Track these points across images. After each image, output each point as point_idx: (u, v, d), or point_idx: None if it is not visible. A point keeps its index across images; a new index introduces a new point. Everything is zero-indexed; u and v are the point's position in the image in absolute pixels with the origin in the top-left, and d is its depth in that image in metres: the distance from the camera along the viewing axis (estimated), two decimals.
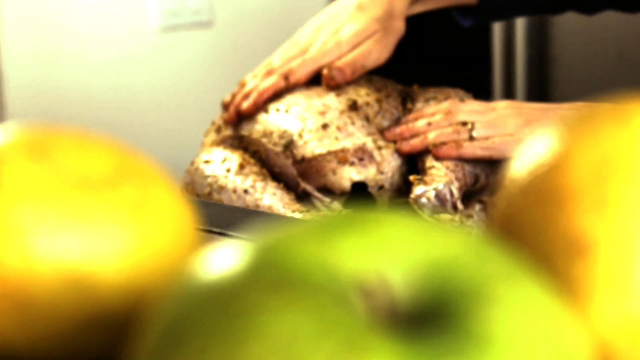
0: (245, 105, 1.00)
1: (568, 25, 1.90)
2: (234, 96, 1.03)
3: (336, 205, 0.95)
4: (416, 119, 0.98)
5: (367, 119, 0.97)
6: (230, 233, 0.59)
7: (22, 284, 0.34)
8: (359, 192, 0.94)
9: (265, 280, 0.28)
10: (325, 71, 0.99)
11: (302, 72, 1.00)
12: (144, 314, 0.33)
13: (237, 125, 1.02)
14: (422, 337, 0.27)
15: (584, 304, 0.32)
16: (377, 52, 1.01)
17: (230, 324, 0.27)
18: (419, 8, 1.07)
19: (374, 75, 1.05)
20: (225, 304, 0.27)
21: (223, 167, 0.96)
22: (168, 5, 2.00)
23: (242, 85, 1.03)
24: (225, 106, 1.03)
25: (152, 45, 2.00)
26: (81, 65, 1.91)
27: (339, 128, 0.95)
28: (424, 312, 0.28)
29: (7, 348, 0.34)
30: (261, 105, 0.99)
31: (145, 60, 2.00)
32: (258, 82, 1.01)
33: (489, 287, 0.28)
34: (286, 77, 1.00)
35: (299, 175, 0.95)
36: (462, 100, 0.99)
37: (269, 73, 1.01)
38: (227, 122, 1.02)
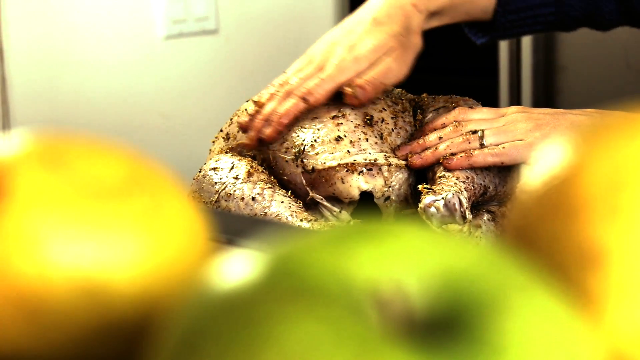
0: (268, 131, 0.97)
1: (575, 33, 1.91)
2: (251, 117, 1.01)
3: (344, 214, 0.95)
4: (426, 133, 0.98)
5: (381, 136, 0.97)
6: (240, 242, 0.59)
7: (36, 293, 0.34)
8: (366, 202, 0.94)
9: (281, 290, 0.28)
10: (348, 89, 0.98)
11: (321, 92, 0.98)
12: (158, 322, 0.33)
13: (259, 148, 1.00)
14: (437, 346, 0.27)
15: (598, 313, 0.32)
16: (396, 69, 1.00)
17: (246, 334, 0.27)
18: (435, 23, 1.07)
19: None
20: (241, 313, 0.27)
21: (231, 174, 0.96)
22: (174, 13, 2.01)
23: (259, 105, 1.01)
24: (243, 128, 1.01)
25: (158, 52, 2.01)
26: (87, 72, 1.91)
27: (352, 142, 0.95)
28: (439, 322, 0.28)
29: (21, 356, 0.34)
30: (284, 130, 0.98)
31: (151, 67, 2.00)
32: (276, 105, 0.99)
33: (504, 297, 0.28)
34: (305, 98, 0.98)
35: (307, 184, 0.95)
36: (470, 108, 1.00)
37: (287, 94, 0.99)
38: (248, 147, 1.00)
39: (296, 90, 0.99)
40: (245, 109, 1.03)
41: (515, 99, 1.97)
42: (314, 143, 0.95)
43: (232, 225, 0.64)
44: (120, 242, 0.35)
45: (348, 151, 0.94)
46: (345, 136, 0.95)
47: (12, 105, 1.81)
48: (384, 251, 0.29)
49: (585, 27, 1.13)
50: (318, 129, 0.96)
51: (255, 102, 1.02)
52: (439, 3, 1.05)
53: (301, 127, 0.97)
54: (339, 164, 0.94)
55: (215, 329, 0.27)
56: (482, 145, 0.94)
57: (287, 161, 0.96)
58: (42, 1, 1.85)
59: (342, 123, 0.97)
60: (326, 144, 0.95)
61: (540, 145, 0.91)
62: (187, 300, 0.29)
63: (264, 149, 0.99)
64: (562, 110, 0.96)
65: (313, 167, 0.94)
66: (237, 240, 0.59)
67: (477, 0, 1.07)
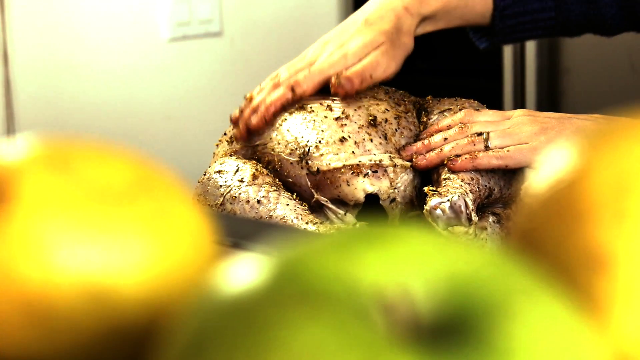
0: (254, 120, 0.99)
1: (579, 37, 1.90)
2: (242, 111, 1.02)
3: (349, 217, 0.95)
4: (432, 134, 0.98)
5: (385, 136, 0.97)
6: (245, 245, 0.59)
7: (42, 297, 0.34)
8: (372, 205, 0.94)
9: (287, 294, 0.28)
10: (333, 79, 0.99)
11: (309, 84, 1.00)
12: (165, 326, 0.33)
13: (248, 140, 1.02)
14: (443, 351, 0.27)
15: (604, 317, 0.32)
16: (384, 64, 1.01)
17: (252, 338, 0.27)
18: (429, 27, 1.08)
19: (390, 87, 1.05)
20: (247, 318, 0.27)
21: (236, 177, 0.96)
22: (178, 16, 2.01)
23: (249, 99, 1.03)
24: (234, 122, 1.03)
25: (163, 55, 2.01)
26: (91, 75, 1.92)
27: (356, 143, 0.95)
28: (446, 326, 0.28)
29: None
30: (270, 119, 0.99)
31: (155, 70, 2.00)
32: (265, 96, 1.01)
33: (510, 301, 0.28)
34: (293, 88, 1.00)
35: (312, 186, 0.95)
36: (476, 110, 1.00)
37: (276, 86, 1.01)
38: (237, 139, 1.02)
39: (285, 81, 1.01)
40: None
41: (519, 102, 1.97)
42: (319, 144, 0.95)
43: (237, 229, 0.64)
44: (126, 247, 0.35)
45: (353, 152, 0.94)
46: (349, 137, 0.96)
47: (16, 108, 1.81)
48: (389, 255, 0.29)
49: (589, 33, 1.13)
50: (322, 130, 0.96)
51: (245, 98, 1.03)
52: (432, 7, 1.06)
53: (305, 128, 0.97)
54: (344, 165, 0.94)
55: (221, 333, 0.27)
56: (487, 148, 0.94)
57: (291, 163, 0.96)
58: (46, 5, 1.85)
59: (345, 124, 0.97)
60: (331, 145, 0.95)
61: (545, 149, 0.92)
62: (193, 305, 0.29)
63: (268, 151, 0.99)
64: (567, 115, 0.96)
65: (318, 168, 0.94)
66: (243, 243, 0.59)
67: (473, 5, 1.08)
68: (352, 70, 1.00)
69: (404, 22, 1.04)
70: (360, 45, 1.01)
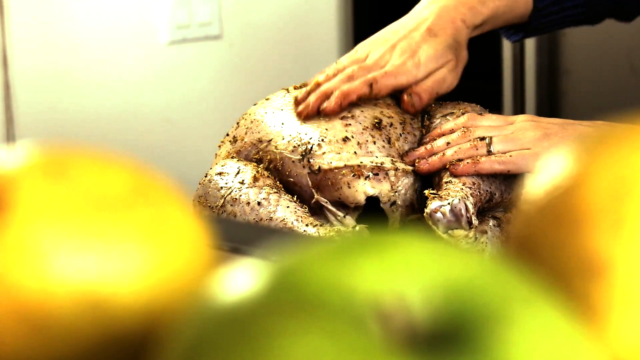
0: (328, 105, 0.98)
1: (578, 37, 1.90)
2: (308, 94, 1.02)
3: (349, 219, 0.95)
4: (434, 138, 0.98)
5: (388, 140, 0.97)
6: (244, 250, 0.59)
7: (39, 305, 0.34)
8: (372, 208, 0.94)
9: (283, 303, 0.28)
10: (406, 97, 1.01)
11: (384, 84, 1.00)
12: (162, 335, 0.33)
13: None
14: (440, 359, 0.27)
15: (601, 324, 0.32)
16: (450, 81, 1.04)
17: (248, 347, 0.27)
18: (476, 32, 1.10)
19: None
20: (243, 327, 0.27)
21: (237, 179, 0.96)
22: (177, 19, 2.01)
23: (317, 84, 1.02)
24: (299, 102, 1.02)
25: (162, 58, 2.01)
26: (90, 79, 1.92)
27: (359, 144, 0.95)
28: (442, 334, 0.28)
29: None
30: (345, 107, 0.99)
31: (155, 72, 2.00)
32: (337, 84, 1.00)
33: (507, 309, 0.28)
34: (370, 85, 0.99)
35: (313, 187, 0.95)
36: (479, 115, 1.00)
37: (350, 78, 1.01)
38: (303, 115, 1.00)
39: (360, 75, 1.01)
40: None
41: (518, 103, 1.97)
42: (321, 142, 0.95)
43: (236, 234, 0.64)
44: (123, 254, 0.35)
45: (355, 152, 0.94)
46: (352, 137, 0.96)
47: (16, 113, 1.81)
48: (386, 263, 0.29)
49: (610, 19, 1.17)
50: (326, 129, 0.96)
51: (313, 82, 1.02)
52: (483, 16, 1.08)
53: (309, 126, 0.97)
54: (345, 165, 0.94)
55: (218, 341, 0.27)
56: (489, 152, 0.94)
57: (293, 161, 0.96)
58: (46, 8, 1.85)
59: (350, 124, 0.97)
60: (333, 143, 0.95)
61: (547, 155, 0.92)
62: (189, 314, 0.29)
63: (271, 148, 0.99)
64: (571, 121, 0.96)
65: (319, 166, 0.94)
66: (242, 248, 0.59)
67: (516, 9, 1.10)
68: (424, 87, 1.01)
69: (462, 35, 1.06)
70: (430, 57, 1.03)
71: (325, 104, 0.99)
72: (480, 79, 2.11)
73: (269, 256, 0.30)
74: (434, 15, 1.06)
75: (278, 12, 2.14)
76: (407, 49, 1.03)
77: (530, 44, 1.94)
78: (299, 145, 0.96)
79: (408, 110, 1.01)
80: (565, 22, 1.15)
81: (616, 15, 1.16)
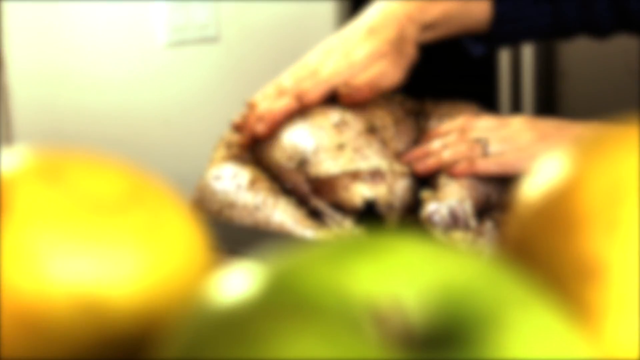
0: (260, 128, 0.98)
1: (576, 40, 1.91)
2: (245, 118, 1.01)
3: (347, 222, 0.95)
4: (430, 140, 0.98)
5: (383, 142, 0.97)
6: (240, 254, 0.59)
7: (35, 308, 0.34)
8: (369, 210, 0.94)
9: (279, 306, 0.28)
10: (343, 89, 0.99)
11: (315, 93, 0.99)
12: (158, 337, 0.33)
13: (251, 147, 1.01)
14: None
15: (597, 327, 0.32)
16: (391, 73, 1.01)
17: (244, 350, 0.27)
18: (429, 35, 1.07)
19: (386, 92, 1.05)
20: (238, 330, 0.27)
21: (234, 182, 0.96)
22: (175, 21, 2.01)
23: (252, 106, 1.01)
24: (237, 128, 1.02)
25: (159, 60, 2.01)
26: (88, 81, 1.91)
27: (355, 150, 0.95)
28: (438, 337, 0.28)
29: None
30: (276, 128, 0.98)
31: (152, 75, 2.00)
32: (269, 104, 0.99)
33: (503, 312, 0.28)
34: (299, 98, 0.98)
35: (310, 192, 0.95)
36: (476, 115, 1.00)
37: (281, 93, 1.00)
38: (242, 146, 1.01)
39: (290, 90, 1.00)
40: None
41: (515, 106, 1.97)
42: (317, 151, 0.95)
43: (233, 236, 0.64)
44: (119, 258, 0.35)
45: (351, 159, 0.94)
46: (347, 143, 0.96)
47: (13, 115, 1.81)
48: (382, 266, 0.29)
49: (583, 35, 1.13)
50: (320, 137, 0.96)
51: (248, 104, 1.02)
52: (433, 15, 1.05)
53: (303, 135, 0.97)
54: (342, 172, 0.94)
55: (213, 345, 0.27)
56: (485, 154, 0.94)
57: (289, 170, 0.96)
58: (44, 11, 1.85)
59: (344, 131, 0.97)
60: (329, 151, 0.95)
61: (543, 157, 0.92)
62: (186, 317, 0.29)
63: (266, 157, 0.99)
64: (567, 123, 0.96)
65: (316, 175, 0.94)
66: (238, 251, 0.59)
67: (472, 12, 1.08)
68: (361, 80, 0.99)
69: (407, 31, 1.04)
70: (366, 53, 1.01)
71: (259, 129, 0.98)
72: (477, 82, 2.12)
73: (265, 259, 0.30)
74: (378, 14, 1.04)
75: (275, 15, 2.14)
76: (343, 51, 1.02)
77: (527, 47, 1.94)
78: (294, 155, 0.96)
79: (347, 103, 0.98)
80: (532, 32, 1.11)
81: (590, 30, 1.11)
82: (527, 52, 1.95)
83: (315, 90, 0.99)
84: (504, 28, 1.09)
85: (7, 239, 0.35)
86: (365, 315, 0.28)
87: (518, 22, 1.09)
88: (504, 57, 1.98)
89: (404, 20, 1.04)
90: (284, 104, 0.98)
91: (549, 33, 1.12)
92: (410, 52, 1.04)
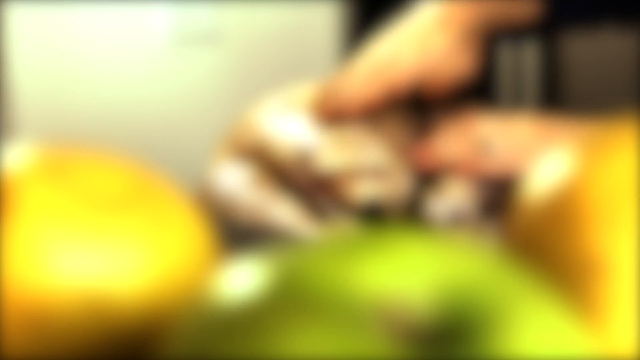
0: (349, 112, 0.97)
1: (578, 39, 1.90)
2: (331, 97, 1.02)
3: (349, 221, 0.95)
4: (435, 138, 0.98)
5: (387, 140, 0.97)
6: (244, 252, 0.59)
7: (42, 304, 0.34)
8: (372, 209, 0.94)
9: (286, 303, 0.28)
10: (427, 84, 1.00)
11: (401, 83, 0.98)
12: (162, 334, 0.33)
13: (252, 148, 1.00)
14: (441, 357, 0.27)
15: (603, 323, 0.32)
16: (466, 64, 1.02)
17: (250, 347, 0.27)
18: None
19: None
20: (245, 328, 0.27)
21: (236, 181, 0.96)
22: (177, 21, 2.01)
23: (337, 89, 1.02)
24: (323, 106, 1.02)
25: (162, 60, 2.01)
26: (90, 81, 1.92)
27: (357, 148, 0.95)
28: (444, 334, 0.28)
29: None
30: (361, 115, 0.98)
31: (154, 75, 2.00)
32: (359, 89, 0.99)
33: (509, 308, 0.28)
34: (385, 86, 0.98)
35: (313, 190, 0.95)
36: (479, 114, 1.00)
37: (368, 78, 1.01)
38: (324, 119, 0.99)
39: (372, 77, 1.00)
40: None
41: (516, 105, 1.98)
42: (319, 149, 0.95)
43: (235, 235, 0.64)
44: (125, 254, 0.35)
45: (354, 155, 0.94)
46: (350, 140, 0.96)
47: (17, 114, 1.81)
48: (387, 263, 0.29)
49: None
50: (323, 135, 0.96)
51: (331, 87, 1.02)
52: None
53: (306, 131, 0.97)
54: (344, 170, 0.94)
55: (219, 342, 0.27)
56: (489, 153, 0.94)
57: (291, 166, 0.96)
58: (47, 11, 1.85)
59: (346, 128, 0.97)
60: (331, 149, 0.95)
61: (548, 155, 0.92)
62: (190, 314, 0.29)
63: (269, 154, 0.99)
64: (571, 121, 0.96)
65: (318, 172, 0.94)
66: (242, 250, 0.59)
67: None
68: (444, 73, 1.01)
69: (475, 20, 1.05)
70: (443, 44, 1.02)
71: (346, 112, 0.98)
72: (478, 79, 2.11)
73: (271, 256, 0.30)
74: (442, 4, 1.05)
75: (277, 18, 2.14)
76: (417, 41, 1.03)
77: (529, 45, 1.94)
78: (296, 152, 0.96)
79: (429, 97, 0.99)
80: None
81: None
82: (529, 50, 1.95)
83: (399, 80, 0.98)
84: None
85: (14, 236, 0.35)
86: (372, 311, 0.28)
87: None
88: (504, 58, 1.99)
89: (470, 9, 1.03)
90: (374, 89, 0.98)
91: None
92: (478, 43, 1.04)
